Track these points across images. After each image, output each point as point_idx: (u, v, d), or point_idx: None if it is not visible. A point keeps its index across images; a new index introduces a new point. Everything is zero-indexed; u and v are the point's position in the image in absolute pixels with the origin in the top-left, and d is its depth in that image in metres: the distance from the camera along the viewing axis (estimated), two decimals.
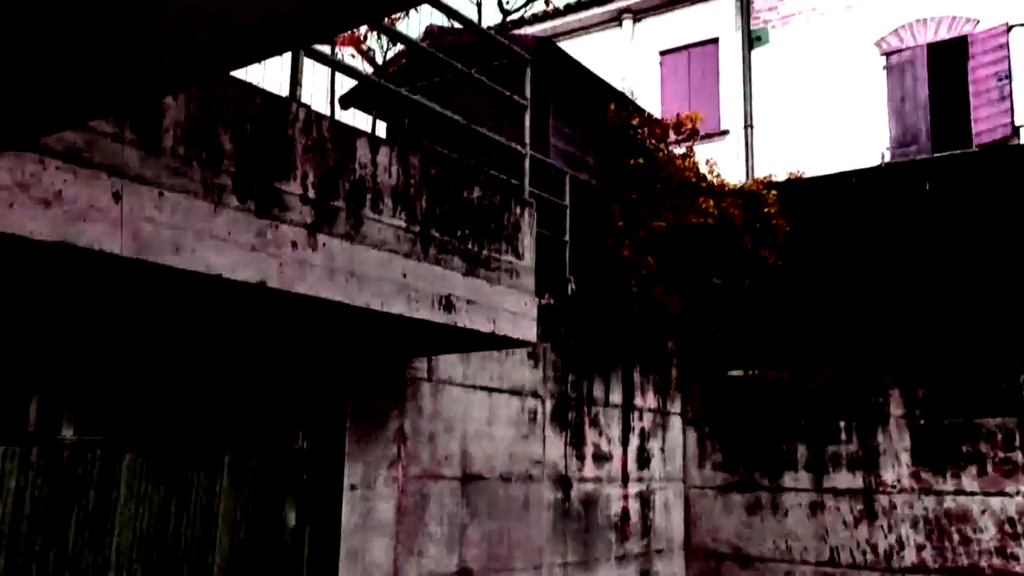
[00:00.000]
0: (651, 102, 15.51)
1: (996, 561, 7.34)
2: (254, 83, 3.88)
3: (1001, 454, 7.46)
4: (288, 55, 4.17)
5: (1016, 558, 7.26)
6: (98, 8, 1.92)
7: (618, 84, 15.94)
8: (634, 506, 8.29)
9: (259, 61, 2.16)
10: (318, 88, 8.73)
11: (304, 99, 4.37)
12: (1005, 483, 7.40)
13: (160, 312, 4.36)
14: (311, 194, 4.06)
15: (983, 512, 7.45)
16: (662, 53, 16.26)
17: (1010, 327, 7.82)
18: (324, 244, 4.09)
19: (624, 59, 16.58)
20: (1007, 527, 7.34)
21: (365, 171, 4.41)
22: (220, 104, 3.69)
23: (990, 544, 7.39)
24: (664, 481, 8.80)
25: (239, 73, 3.41)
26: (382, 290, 4.37)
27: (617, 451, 8.15)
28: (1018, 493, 7.33)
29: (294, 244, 3.92)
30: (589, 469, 7.72)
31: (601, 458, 7.91)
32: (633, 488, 8.31)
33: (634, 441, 8.43)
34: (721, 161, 13.94)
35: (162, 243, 3.34)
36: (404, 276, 4.52)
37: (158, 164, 3.39)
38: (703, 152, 12.39)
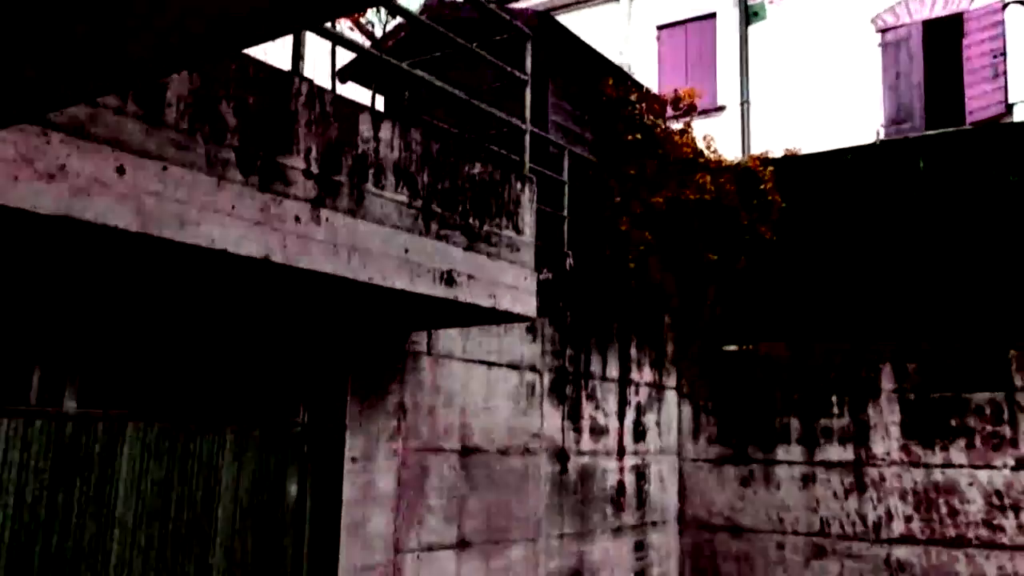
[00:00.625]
0: (648, 77, 15.46)
1: (983, 532, 7.48)
2: (256, 57, 3.87)
3: (989, 428, 7.57)
4: None
5: (1002, 529, 7.40)
6: None
7: (615, 59, 15.87)
8: (630, 479, 8.39)
9: (271, 39, 2.17)
10: (316, 62, 8.69)
11: (304, 67, 4.37)
12: (993, 456, 7.52)
13: (164, 284, 4.38)
14: (314, 169, 4.07)
15: (971, 484, 7.58)
16: (659, 28, 16.19)
17: (1000, 304, 7.91)
18: (327, 219, 4.11)
19: (621, 34, 16.51)
20: (994, 499, 7.47)
21: (368, 146, 4.42)
22: (222, 78, 3.69)
23: (977, 516, 7.52)
24: (659, 454, 8.91)
25: None
26: (384, 265, 4.39)
27: (613, 425, 8.23)
28: (1005, 466, 7.46)
29: (297, 219, 3.94)
30: (586, 442, 7.81)
31: (598, 432, 8.00)
32: (629, 461, 8.41)
33: (630, 415, 8.51)
34: (718, 137, 13.93)
35: (166, 217, 3.36)
36: (406, 251, 4.55)
37: (161, 138, 3.40)
38: (700, 128, 12.38)
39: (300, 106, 4.03)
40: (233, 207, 3.63)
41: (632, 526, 8.33)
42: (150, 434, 4.53)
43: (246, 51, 3.88)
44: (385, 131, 4.51)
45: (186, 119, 3.51)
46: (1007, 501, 7.43)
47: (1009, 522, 7.40)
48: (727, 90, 15.22)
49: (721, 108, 15.14)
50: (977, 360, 7.78)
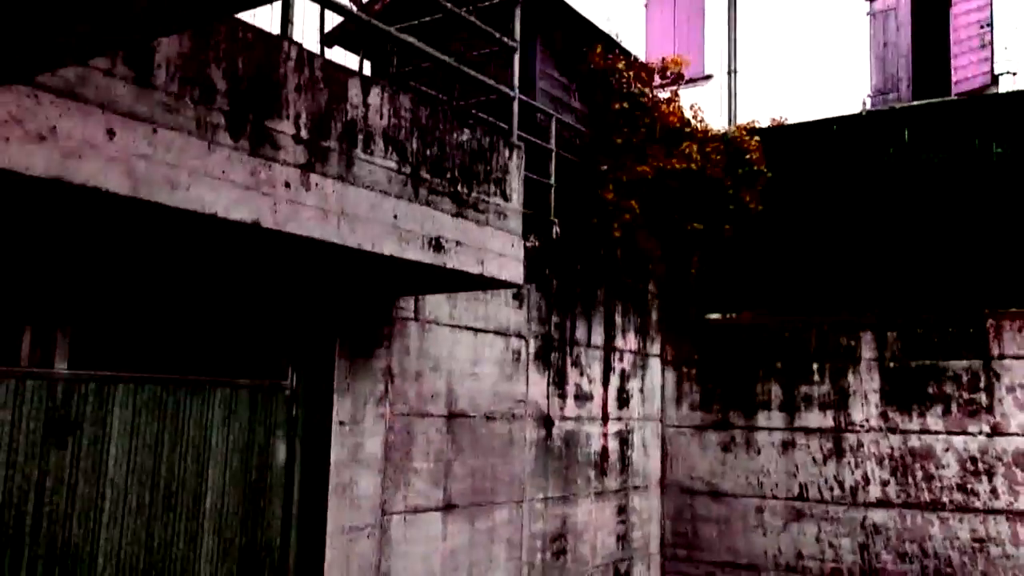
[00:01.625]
0: (636, 45, 15.39)
1: (957, 496, 7.67)
2: (245, 20, 3.86)
3: (966, 395, 7.74)
4: None
5: (976, 494, 7.59)
6: None
7: (603, 27, 15.81)
8: (613, 444, 8.52)
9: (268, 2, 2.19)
10: (303, 25, 8.61)
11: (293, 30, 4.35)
12: (968, 423, 7.70)
13: (155, 245, 4.40)
14: (303, 134, 4.08)
15: (946, 450, 7.76)
16: None
17: (978, 273, 8.04)
18: (317, 184, 4.13)
19: (608, 2, 16.39)
20: (968, 465, 7.66)
21: (357, 112, 4.43)
22: (212, 40, 3.68)
23: (952, 480, 7.71)
24: (643, 420, 9.04)
25: None
26: (373, 231, 4.43)
27: (598, 391, 8.35)
28: (980, 432, 7.64)
29: (287, 184, 3.96)
30: (570, 408, 7.92)
31: (582, 398, 8.11)
32: (613, 427, 8.54)
33: (614, 381, 8.63)
34: (704, 105, 13.91)
35: (157, 180, 3.37)
36: (395, 217, 4.58)
37: (151, 100, 3.40)
38: (687, 96, 12.37)
39: (290, 70, 4.03)
40: (223, 171, 3.65)
41: (615, 490, 8.48)
42: (141, 395, 4.58)
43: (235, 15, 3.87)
44: (374, 97, 4.51)
45: (176, 82, 3.51)
46: (981, 467, 7.62)
47: (983, 487, 7.60)
48: (714, 59, 15.19)
49: (708, 77, 15.12)
50: (956, 329, 7.92)
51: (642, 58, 13.61)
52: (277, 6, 4.28)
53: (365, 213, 4.39)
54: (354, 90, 4.39)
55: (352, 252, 4.39)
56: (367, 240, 4.38)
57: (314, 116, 4.15)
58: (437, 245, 4.84)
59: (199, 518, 4.83)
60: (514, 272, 5.45)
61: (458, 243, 4.98)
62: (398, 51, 7.38)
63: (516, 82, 5.81)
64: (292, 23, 4.13)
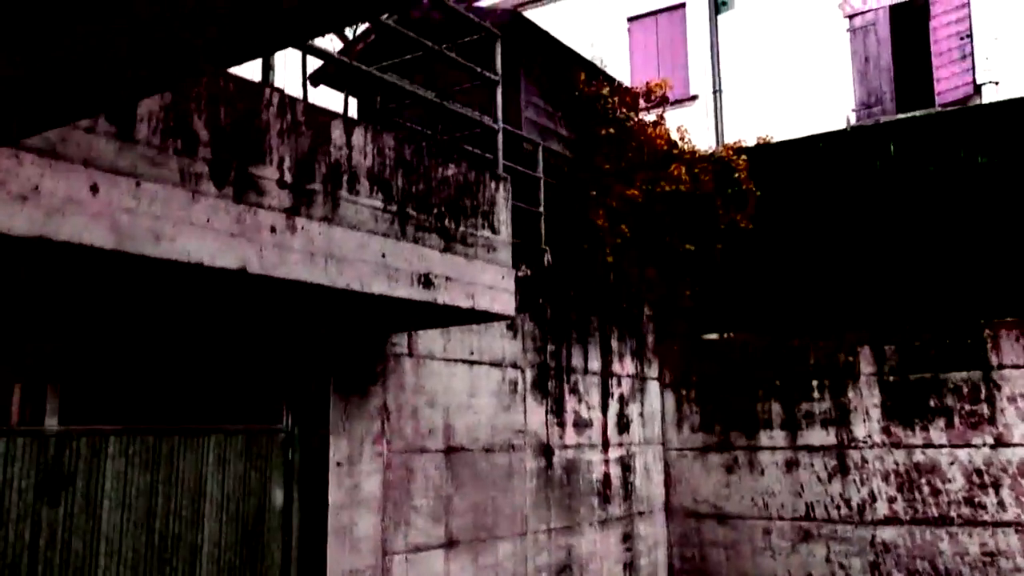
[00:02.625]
0: (620, 69, 15.51)
1: (965, 510, 7.61)
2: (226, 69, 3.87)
3: (967, 407, 7.70)
4: None
5: (983, 507, 7.53)
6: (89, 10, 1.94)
7: (587, 52, 15.90)
8: (615, 470, 8.46)
9: (258, 57, 2.20)
10: (288, 65, 8.66)
11: (275, 75, 4.38)
12: (971, 435, 7.65)
13: (143, 296, 4.38)
14: (288, 178, 4.08)
15: (951, 464, 7.70)
16: (630, 20, 16.25)
17: (974, 284, 8.03)
18: (303, 227, 4.12)
19: (592, 27, 16.54)
20: (974, 477, 7.60)
21: (340, 153, 4.43)
22: (193, 92, 3.69)
23: (959, 495, 7.65)
24: (644, 445, 8.98)
25: None
26: (361, 270, 4.41)
27: (597, 417, 8.30)
28: (984, 444, 7.59)
29: (273, 228, 3.95)
30: (570, 436, 7.87)
31: (582, 425, 8.06)
32: (614, 453, 8.48)
33: (613, 407, 8.58)
34: (691, 126, 14.00)
35: (141, 233, 3.36)
36: (383, 256, 4.57)
37: (134, 154, 3.40)
38: (674, 118, 12.44)
39: (272, 116, 4.03)
40: (208, 220, 3.64)
41: (619, 517, 8.40)
42: (133, 447, 4.53)
43: None
44: (357, 137, 4.52)
45: (158, 135, 3.51)
46: (987, 479, 7.57)
47: (990, 499, 7.54)
48: (699, 79, 15.30)
49: (694, 97, 15.22)
50: (954, 341, 7.90)
51: (627, 81, 13.74)
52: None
53: (352, 253, 4.37)
54: (337, 132, 4.40)
55: (341, 293, 4.37)
56: (355, 280, 4.37)
57: (298, 160, 4.15)
58: (426, 281, 4.83)
59: (196, 568, 4.77)
60: (506, 304, 5.43)
61: (448, 278, 4.97)
62: (383, 88, 7.41)
63: (499, 115, 5.83)
64: (273, 70, 4.15)
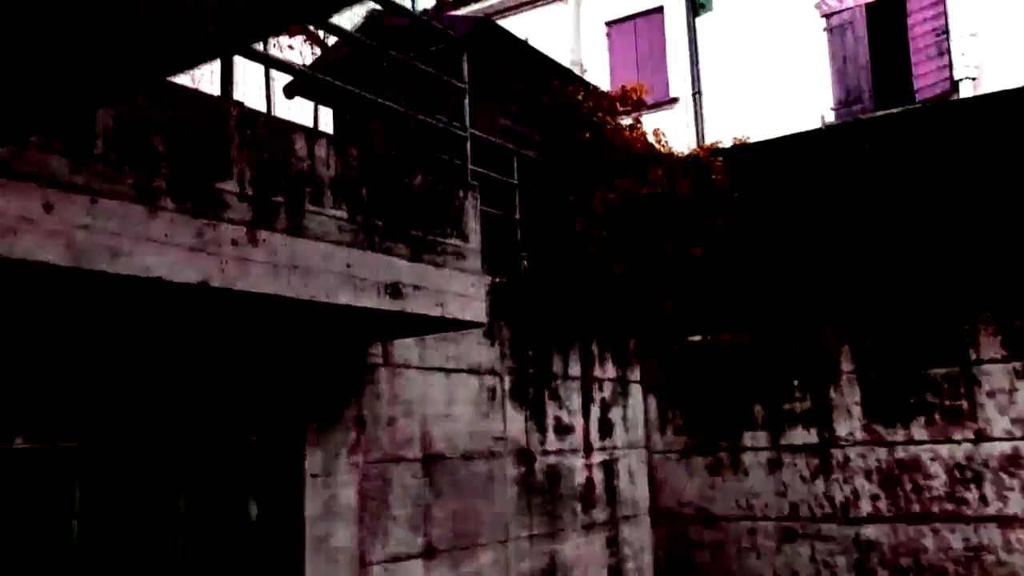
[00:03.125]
0: (600, 74, 15.56)
1: (948, 506, 7.62)
2: (184, 84, 3.87)
3: (948, 403, 7.72)
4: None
5: (966, 502, 7.55)
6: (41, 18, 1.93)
7: (566, 57, 15.97)
8: (598, 475, 8.45)
9: (209, 61, 2.21)
10: (260, 78, 8.66)
11: (248, 89, 4.38)
12: (952, 430, 7.67)
13: (105, 313, 4.36)
14: (249, 191, 4.08)
15: (933, 460, 7.72)
16: (608, 24, 16.32)
17: (952, 280, 8.06)
18: (265, 240, 4.12)
19: (571, 32, 16.59)
20: (956, 473, 7.62)
21: (304, 165, 4.43)
22: (150, 106, 3.68)
23: (941, 490, 7.66)
24: (627, 448, 8.98)
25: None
26: (327, 282, 4.41)
27: (579, 422, 8.29)
28: (965, 440, 7.61)
29: (234, 242, 3.95)
30: (551, 442, 7.86)
31: (563, 430, 8.05)
32: (596, 457, 8.47)
33: (595, 411, 8.58)
34: (672, 128, 14.02)
35: (98, 250, 3.35)
36: (348, 266, 4.57)
37: (89, 171, 3.39)
38: (654, 121, 12.47)
39: (232, 130, 4.03)
40: (167, 235, 3.63)
41: (603, 522, 8.39)
42: (103, 466, 4.50)
43: (174, 79, 3.88)
44: (320, 149, 4.52)
45: (115, 150, 3.50)
46: (968, 474, 7.59)
47: (972, 494, 7.56)
48: (679, 82, 15.36)
49: (674, 100, 15.28)
50: (933, 336, 7.92)
51: (607, 85, 13.76)
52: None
53: (317, 264, 4.37)
54: (299, 144, 4.40)
55: (307, 304, 4.37)
56: (321, 291, 4.36)
57: (260, 172, 4.14)
58: (394, 291, 4.82)
59: None
60: (477, 311, 5.43)
61: (416, 287, 4.97)
62: (353, 100, 7.42)
63: (467, 122, 5.84)
64: (233, 84, 4.14)
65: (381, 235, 4.84)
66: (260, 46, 4.75)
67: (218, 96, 4.05)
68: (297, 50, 7.96)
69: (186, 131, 3.81)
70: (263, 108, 8.36)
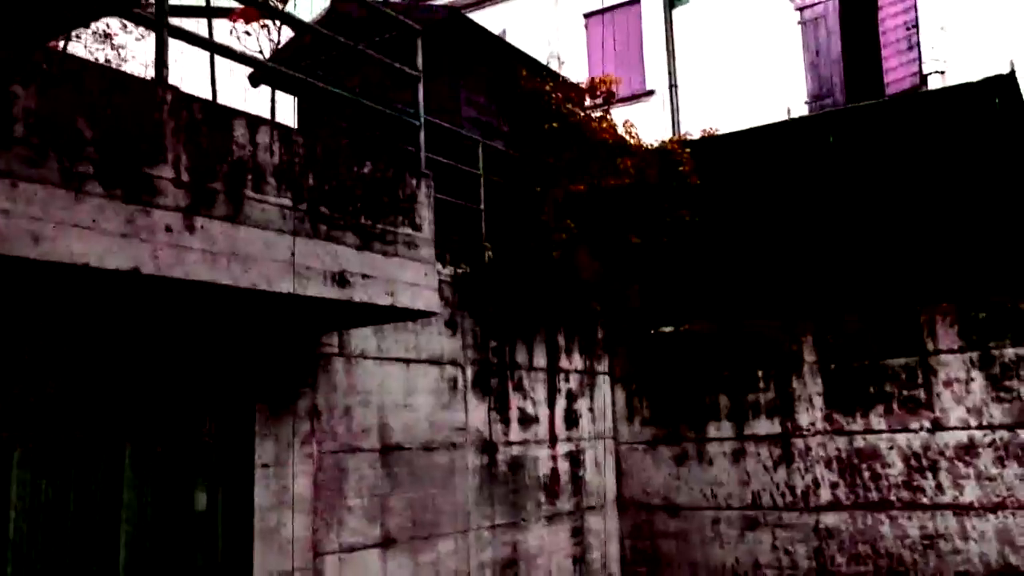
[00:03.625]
0: (579, 66, 15.55)
1: (904, 494, 7.68)
2: (116, 68, 3.83)
3: (905, 392, 7.77)
4: (153, 38, 4.12)
5: (922, 490, 7.60)
6: None
7: (544, 49, 15.94)
8: (564, 465, 8.46)
9: None
10: (235, 69, 8.60)
11: (218, 78, 4.33)
12: (909, 419, 7.72)
13: (41, 301, 4.32)
14: (185, 177, 4.04)
15: (891, 449, 7.77)
16: (586, 16, 16.29)
17: (911, 272, 8.11)
18: (202, 227, 4.09)
19: (549, 24, 16.55)
20: (913, 462, 7.67)
21: (244, 152, 4.40)
22: (76, 90, 3.64)
23: (898, 479, 7.72)
24: (594, 439, 8.99)
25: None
26: (268, 270, 4.38)
27: (544, 413, 8.30)
28: (922, 428, 7.66)
29: (168, 228, 3.92)
30: (515, 433, 7.86)
31: (527, 421, 8.05)
32: (562, 448, 8.48)
33: (561, 402, 8.58)
34: (648, 121, 14.05)
35: (19, 235, 3.31)
36: (292, 255, 4.54)
37: (10, 155, 3.35)
38: (631, 113, 12.48)
39: (166, 115, 4.00)
40: (94, 220, 3.59)
41: (568, 512, 8.41)
42: (41, 456, 4.47)
43: (105, 63, 3.84)
44: (263, 135, 4.49)
45: (37, 134, 3.47)
46: (925, 463, 7.64)
47: (928, 482, 7.61)
48: (655, 74, 15.36)
49: (650, 92, 15.28)
50: (892, 327, 7.97)
51: (584, 76, 13.74)
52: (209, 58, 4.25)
53: (259, 252, 4.34)
54: (240, 130, 4.37)
55: (248, 293, 4.34)
56: (262, 280, 4.34)
57: (197, 158, 4.11)
58: (341, 280, 4.80)
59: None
60: (429, 300, 5.42)
61: (364, 276, 4.95)
62: (310, 87, 7.38)
63: (421, 111, 5.81)
64: (167, 67, 4.10)
65: (328, 223, 4.82)
66: (205, 32, 4.71)
67: (151, 80, 4.01)
68: (254, 36, 7.90)
69: (116, 115, 3.78)
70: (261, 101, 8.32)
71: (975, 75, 8.86)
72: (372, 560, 6.16)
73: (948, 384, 7.57)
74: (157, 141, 3.94)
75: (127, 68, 8.18)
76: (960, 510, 7.42)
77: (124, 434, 4.84)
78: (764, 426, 8.48)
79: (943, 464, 7.52)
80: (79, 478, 4.62)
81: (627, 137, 9.87)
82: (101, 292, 4.07)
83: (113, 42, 8.84)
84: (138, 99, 3.88)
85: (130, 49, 8.66)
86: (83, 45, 8.36)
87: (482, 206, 8.05)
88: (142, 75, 4.29)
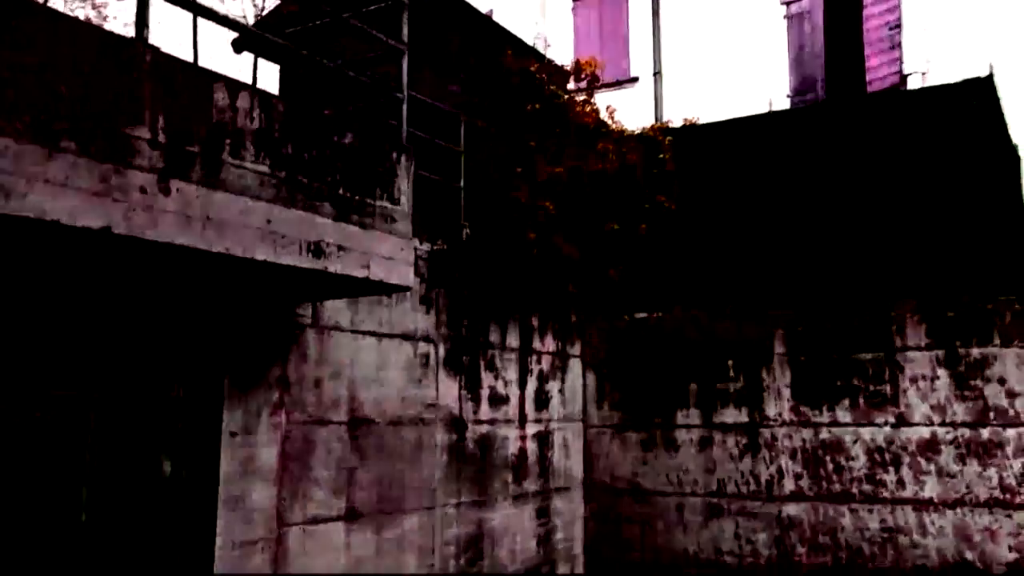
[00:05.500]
0: (565, 50, 15.48)
1: (866, 487, 7.81)
2: (94, 23, 3.76)
3: (872, 387, 7.89)
4: None
5: (884, 484, 7.73)
6: None
7: (531, 31, 15.87)
8: (532, 446, 8.51)
9: None
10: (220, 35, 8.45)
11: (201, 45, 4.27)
12: (875, 414, 7.84)
13: (13, 258, 4.25)
14: (162, 139, 3.98)
15: (855, 442, 7.89)
16: (574, 1, 16.21)
17: (883, 268, 8.20)
18: (178, 190, 4.04)
19: (537, 6, 16.47)
20: (876, 456, 7.80)
21: (224, 116, 4.34)
22: (54, 46, 3.57)
23: (861, 472, 7.84)
24: (563, 422, 9.04)
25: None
26: (243, 236, 4.34)
27: (515, 393, 8.32)
28: (886, 423, 7.78)
29: (143, 189, 3.86)
30: (485, 411, 7.88)
31: (498, 400, 8.08)
32: (531, 429, 8.52)
33: (532, 384, 8.61)
34: (632, 108, 14.02)
35: None
36: (268, 222, 4.50)
37: None
38: (615, 99, 12.46)
39: (145, 75, 3.93)
40: (67, 177, 3.53)
41: (535, 492, 8.46)
42: (1, 413, 4.41)
43: (84, 18, 3.77)
44: (243, 100, 4.43)
45: (10, 88, 3.39)
46: (887, 457, 7.77)
47: (890, 477, 7.74)
48: (640, 61, 15.34)
49: (635, 79, 15.26)
50: (861, 322, 8.07)
51: (571, 60, 13.70)
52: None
53: (234, 218, 4.30)
54: (220, 94, 4.30)
55: (222, 258, 4.30)
56: (237, 246, 4.30)
57: (175, 121, 4.05)
58: (317, 250, 4.77)
59: (75, 538, 4.68)
60: (404, 275, 5.40)
61: (340, 247, 4.92)
62: (298, 55, 7.29)
63: (404, 84, 5.77)
64: (148, 27, 4.03)
65: (306, 192, 4.77)
66: None
67: (130, 38, 3.94)
68: (239, 1, 7.78)
69: (94, 74, 3.71)
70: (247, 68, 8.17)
71: (955, 76, 8.95)
72: (337, 533, 6.17)
73: (914, 381, 7.69)
74: (135, 101, 3.87)
75: (108, 27, 8.03)
76: (920, 505, 7.56)
77: (89, 396, 4.79)
78: (732, 415, 8.57)
79: (905, 459, 7.65)
80: (42, 437, 4.57)
81: (609, 122, 9.88)
82: (72, 250, 4.01)
83: (94, 1, 8.69)
84: (117, 58, 3.81)
85: (111, 9, 8.52)
86: (63, 1, 8.19)
87: (462, 183, 8.02)
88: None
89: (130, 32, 6.02)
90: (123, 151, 3.80)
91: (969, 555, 7.38)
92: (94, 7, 8.93)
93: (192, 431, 5.31)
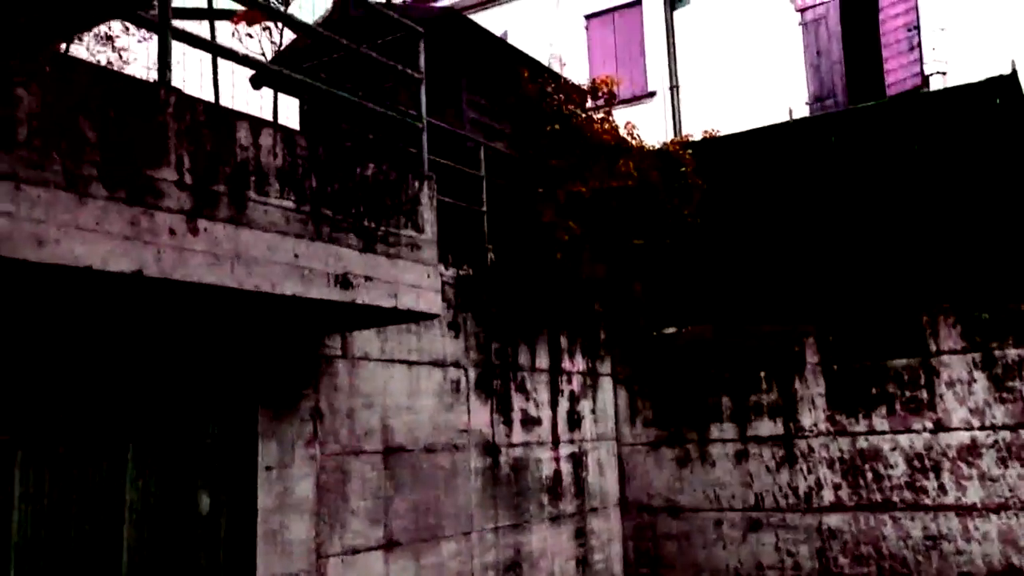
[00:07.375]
0: (579, 67, 15.55)
1: (907, 495, 7.67)
2: (118, 71, 3.84)
3: (908, 393, 7.77)
4: (156, 40, 4.13)
5: (925, 491, 7.59)
6: None
7: (546, 51, 15.95)
8: (566, 467, 8.46)
9: None
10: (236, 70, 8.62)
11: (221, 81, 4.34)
12: (912, 420, 7.72)
13: (45, 303, 4.33)
14: (188, 180, 4.05)
15: (893, 449, 7.77)
16: (587, 17, 16.31)
17: (913, 273, 8.10)
18: (206, 229, 4.09)
19: (551, 25, 16.57)
20: (915, 462, 7.66)
21: (247, 154, 4.40)
22: (79, 93, 3.64)
23: (901, 480, 7.71)
24: (596, 441, 8.99)
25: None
26: (272, 272, 4.38)
27: (547, 415, 8.29)
28: (924, 429, 7.66)
29: (172, 231, 3.92)
30: (518, 434, 7.86)
31: (530, 423, 8.05)
32: (564, 450, 8.48)
33: (563, 404, 8.58)
34: (650, 122, 14.03)
35: (22, 237, 3.32)
36: (296, 256, 4.54)
37: (13, 158, 3.35)
38: (633, 114, 12.47)
39: (169, 117, 4.00)
40: (98, 223, 3.60)
41: (571, 514, 8.41)
42: (44, 458, 4.47)
43: (108, 65, 3.85)
44: (266, 138, 4.49)
45: (40, 136, 3.47)
46: (927, 463, 7.63)
47: (931, 483, 7.61)
48: (656, 76, 15.37)
49: (652, 94, 15.29)
50: (894, 328, 7.97)
51: (585, 78, 13.75)
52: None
53: (262, 254, 4.35)
54: (243, 132, 4.37)
55: (251, 295, 4.34)
56: (265, 282, 4.34)
57: (199, 161, 4.11)
58: (344, 282, 4.80)
59: None
60: (431, 302, 5.42)
61: (367, 278, 4.95)
62: (312, 89, 7.38)
63: (423, 113, 5.82)
64: (170, 69, 4.11)
65: (331, 225, 4.82)
66: (208, 34, 4.72)
67: (154, 82, 4.02)
68: (256, 39, 7.92)
69: (120, 118, 3.78)
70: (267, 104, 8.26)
71: (976, 76, 8.86)
72: (375, 562, 6.16)
73: (951, 385, 7.56)
74: (160, 144, 3.94)
75: (129, 70, 8.20)
76: (963, 511, 7.42)
77: (127, 436, 4.84)
78: (767, 427, 8.47)
79: (946, 465, 7.52)
80: (82, 479, 4.62)
81: (628, 138, 9.87)
82: (105, 294, 4.07)
83: (115, 44, 8.87)
84: (141, 101, 3.89)
85: (132, 51, 8.69)
86: (85, 47, 8.38)
87: (484, 208, 8.05)
88: (144, 77, 4.30)
89: (152, 73, 6.14)
90: (151, 193, 3.86)
91: (1016, 560, 7.21)
92: (115, 50, 9.12)
93: (228, 467, 5.35)
